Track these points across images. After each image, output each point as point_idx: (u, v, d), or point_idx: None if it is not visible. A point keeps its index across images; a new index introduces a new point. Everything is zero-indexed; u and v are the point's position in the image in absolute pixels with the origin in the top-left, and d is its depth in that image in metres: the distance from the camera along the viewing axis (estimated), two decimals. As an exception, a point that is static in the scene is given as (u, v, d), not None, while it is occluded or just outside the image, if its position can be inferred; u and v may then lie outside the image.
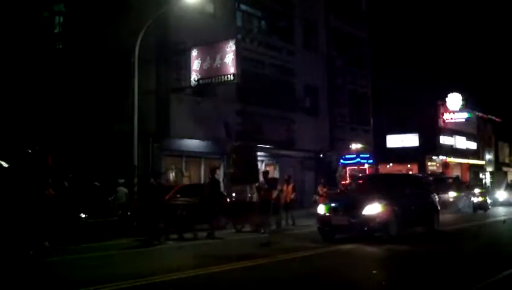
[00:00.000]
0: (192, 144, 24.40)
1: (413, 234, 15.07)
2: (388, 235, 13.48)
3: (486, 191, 32.20)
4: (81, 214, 15.35)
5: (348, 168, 25.30)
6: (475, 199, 28.89)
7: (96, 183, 19.05)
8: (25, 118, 23.93)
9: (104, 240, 15.04)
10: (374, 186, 15.59)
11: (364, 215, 13.52)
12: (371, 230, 13.48)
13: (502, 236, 16.59)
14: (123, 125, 21.52)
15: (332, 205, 14.56)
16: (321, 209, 14.63)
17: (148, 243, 14.16)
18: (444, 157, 45.32)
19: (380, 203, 13.58)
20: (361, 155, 25.50)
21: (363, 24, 36.67)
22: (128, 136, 20.50)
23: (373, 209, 13.52)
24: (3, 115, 23.32)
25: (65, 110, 24.22)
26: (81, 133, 23.17)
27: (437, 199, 17.66)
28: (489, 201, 30.76)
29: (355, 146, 25.91)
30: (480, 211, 28.19)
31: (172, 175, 23.83)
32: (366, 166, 25.18)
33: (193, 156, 25.18)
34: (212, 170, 17.25)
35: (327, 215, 14.25)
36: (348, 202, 14.43)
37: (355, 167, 24.75)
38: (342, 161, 25.67)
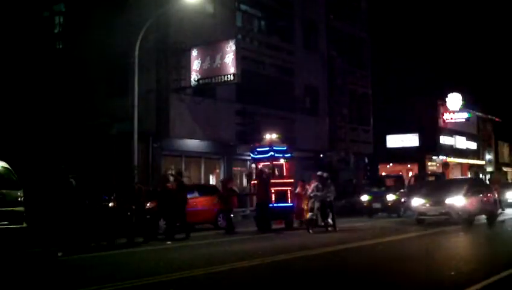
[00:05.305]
0: (192, 144, 24.41)
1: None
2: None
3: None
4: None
5: (260, 164, 19.89)
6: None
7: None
8: (24, 117, 23.93)
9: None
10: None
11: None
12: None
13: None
14: (123, 125, 21.50)
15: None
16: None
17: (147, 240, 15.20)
18: (444, 157, 45.28)
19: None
20: (275, 148, 19.82)
21: (363, 24, 36.65)
22: (128, 136, 20.51)
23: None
24: (3, 115, 23.32)
25: (65, 110, 24.22)
26: (81, 133, 23.16)
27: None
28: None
29: (269, 137, 20.30)
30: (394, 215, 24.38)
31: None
32: (282, 161, 20.07)
33: (193, 156, 25.21)
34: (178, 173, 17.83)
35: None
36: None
37: (268, 163, 19.57)
38: (252, 155, 20.58)
